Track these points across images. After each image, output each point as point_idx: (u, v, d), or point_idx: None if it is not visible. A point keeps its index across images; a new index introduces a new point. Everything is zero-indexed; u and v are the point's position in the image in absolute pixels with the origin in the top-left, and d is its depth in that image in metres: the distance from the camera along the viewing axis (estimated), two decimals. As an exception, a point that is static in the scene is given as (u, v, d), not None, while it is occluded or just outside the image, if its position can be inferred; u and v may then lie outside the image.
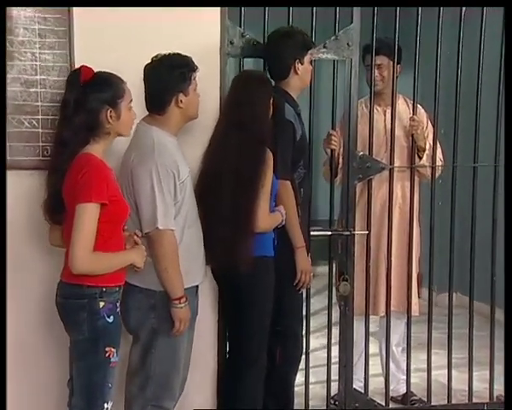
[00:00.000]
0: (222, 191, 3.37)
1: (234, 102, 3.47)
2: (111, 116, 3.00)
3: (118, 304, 3.08)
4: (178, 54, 3.23)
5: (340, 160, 4.12)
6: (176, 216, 3.20)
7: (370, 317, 4.25)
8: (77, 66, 3.34)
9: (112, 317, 3.02)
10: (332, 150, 4.06)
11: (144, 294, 3.23)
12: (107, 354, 3.00)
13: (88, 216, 2.89)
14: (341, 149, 4.11)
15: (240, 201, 3.36)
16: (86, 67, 3.03)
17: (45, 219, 3.15)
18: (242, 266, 3.34)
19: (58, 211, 3.05)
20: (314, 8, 3.85)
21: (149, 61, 3.24)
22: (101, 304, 3.00)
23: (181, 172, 3.20)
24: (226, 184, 3.37)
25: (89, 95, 2.98)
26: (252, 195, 3.36)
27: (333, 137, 4.04)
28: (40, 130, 3.47)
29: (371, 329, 4.29)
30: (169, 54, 3.22)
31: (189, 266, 3.27)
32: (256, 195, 3.37)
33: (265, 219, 3.45)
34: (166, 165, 3.14)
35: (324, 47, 3.88)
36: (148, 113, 3.30)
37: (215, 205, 3.37)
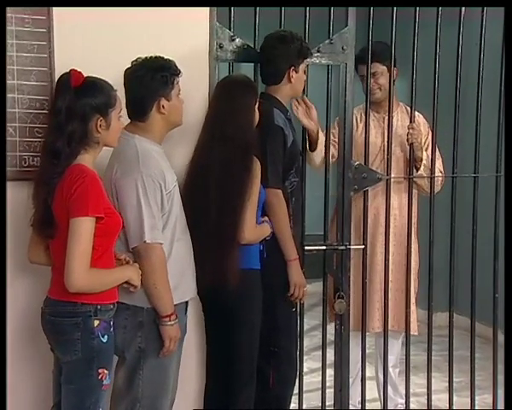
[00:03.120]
0: (207, 203, 3.37)
1: (216, 111, 3.47)
2: (100, 125, 2.98)
3: (111, 323, 3.05)
4: (160, 57, 3.23)
5: (321, 135, 4.04)
6: (163, 228, 3.19)
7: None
8: (57, 70, 3.35)
9: (106, 336, 3.00)
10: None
11: (131, 311, 3.19)
12: (99, 377, 2.97)
13: (84, 231, 2.87)
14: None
15: (225, 213, 3.36)
16: (76, 71, 2.99)
17: (35, 235, 3.11)
18: (228, 280, 3.33)
19: (49, 225, 3.00)
20: (307, 10, 3.85)
21: (129, 65, 3.24)
22: (96, 322, 2.97)
23: (167, 182, 3.18)
24: (211, 195, 3.37)
25: (80, 101, 2.95)
26: (238, 206, 3.36)
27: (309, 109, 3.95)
28: (17, 138, 3.42)
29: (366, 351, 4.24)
30: (150, 57, 3.22)
31: (179, 280, 3.25)
32: (242, 206, 3.37)
33: (252, 230, 3.44)
34: (152, 175, 3.13)
35: (318, 51, 3.86)
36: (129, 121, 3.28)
37: (200, 217, 3.36)
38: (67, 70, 3.02)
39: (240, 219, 3.36)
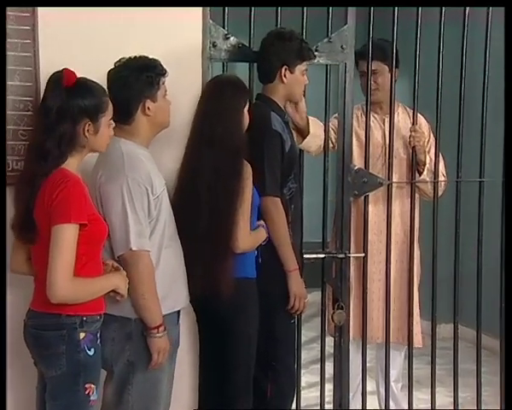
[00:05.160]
0: (197, 211, 3.36)
1: (203, 112, 3.45)
2: (88, 130, 2.96)
3: (98, 335, 3.02)
4: (144, 56, 3.21)
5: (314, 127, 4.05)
6: (151, 235, 3.17)
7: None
8: (42, 70, 3.33)
9: (93, 349, 2.97)
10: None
11: (119, 322, 3.16)
12: (86, 392, 2.94)
13: (67, 238, 2.84)
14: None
15: (217, 220, 3.35)
16: (69, 70, 2.97)
17: (16, 240, 3.07)
18: (222, 290, 3.32)
19: (29, 230, 2.96)
20: (305, 8, 3.84)
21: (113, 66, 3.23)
22: (82, 335, 2.94)
23: (155, 186, 3.16)
24: (201, 202, 3.36)
25: (71, 102, 2.93)
26: (229, 214, 3.35)
27: None
28: (0, 141, 3.37)
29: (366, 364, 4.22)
30: (134, 57, 3.20)
31: (168, 289, 3.22)
32: (234, 213, 3.35)
33: (246, 238, 3.42)
34: (138, 180, 3.11)
35: (316, 50, 3.82)
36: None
37: (191, 225, 3.35)
38: (53, 70, 3.00)
39: (232, 227, 3.35)
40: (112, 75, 3.19)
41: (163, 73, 3.22)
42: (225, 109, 3.41)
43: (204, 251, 3.35)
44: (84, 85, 2.98)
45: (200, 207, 3.35)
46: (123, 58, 3.20)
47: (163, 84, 3.23)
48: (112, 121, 3.05)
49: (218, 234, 3.35)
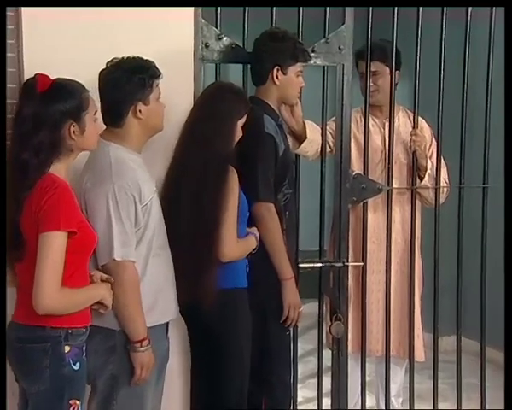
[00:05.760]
0: (181, 217, 3.34)
1: (197, 116, 3.43)
2: (74, 131, 2.91)
3: (84, 349, 2.98)
4: (138, 57, 3.18)
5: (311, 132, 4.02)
6: (138, 244, 3.13)
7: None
8: (26, 71, 3.29)
9: (78, 364, 2.92)
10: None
11: (102, 334, 3.11)
12: (71, 408, 2.90)
13: (56, 246, 2.80)
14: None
15: (200, 227, 3.32)
16: (42, 75, 2.91)
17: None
18: (207, 301, 3.29)
19: (17, 247, 2.91)
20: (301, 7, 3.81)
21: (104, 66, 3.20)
22: (67, 348, 2.89)
23: (143, 194, 3.12)
24: (185, 208, 3.34)
25: (48, 107, 2.87)
26: (213, 220, 3.31)
27: None
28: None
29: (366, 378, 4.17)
30: (127, 58, 3.16)
31: (155, 300, 3.18)
32: (218, 220, 3.32)
33: (233, 246, 3.38)
34: (125, 187, 3.07)
35: (313, 51, 3.77)
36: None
37: (176, 232, 3.31)
38: (38, 71, 2.94)
39: (216, 235, 3.31)
40: (103, 76, 3.16)
41: (157, 75, 3.17)
42: (220, 115, 3.38)
43: (187, 259, 3.32)
44: (61, 87, 2.92)
45: (183, 213, 3.33)
46: (115, 58, 3.16)
47: (157, 86, 3.19)
48: (96, 116, 3.00)
49: (202, 242, 3.32)
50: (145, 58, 3.17)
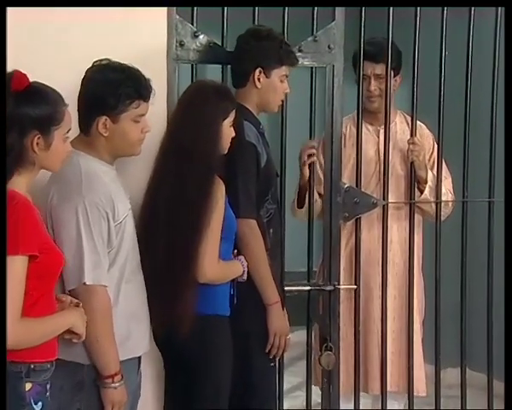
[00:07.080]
0: (159, 232, 3.25)
1: (175, 123, 3.37)
2: (37, 143, 2.76)
3: (48, 386, 2.82)
4: (132, 67, 3.09)
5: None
6: (110, 267, 3.03)
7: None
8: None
9: (40, 403, 2.76)
10: (311, 167, 3.86)
11: (68, 368, 2.97)
12: None
13: (14, 273, 2.66)
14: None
15: (179, 243, 3.23)
16: (20, 72, 2.78)
17: None
18: (182, 327, 3.19)
19: None
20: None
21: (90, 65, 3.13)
22: (28, 386, 2.74)
23: (117, 211, 3.02)
24: (164, 221, 3.24)
25: (18, 109, 2.74)
26: (194, 235, 3.21)
27: (312, 149, 3.83)
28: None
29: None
30: (119, 63, 3.07)
31: (128, 331, 3.08)
32: (199, 236, 3.21)
33: (214, 266, 3.27)
34: (97, 202, 2.97)
35: (300, 51, 3.67)
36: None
37: (152, 249, 3.23)
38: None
39: (194, 252, 3.21)
40: (86, 75, 3.08)
41: (141, 95, 3.04)
42: (201, 119, 3.28)
43: (164, 281, 3.22)
44: (37, 91, 2.80)
45: (160, 230, 3.23)
46: (105, 59, 3.08)
47: (137, 107, 3.05)
48: (68, 135, 2.86)
49: (179, 260, 3.22)
50: (137, 69, 3.07)
